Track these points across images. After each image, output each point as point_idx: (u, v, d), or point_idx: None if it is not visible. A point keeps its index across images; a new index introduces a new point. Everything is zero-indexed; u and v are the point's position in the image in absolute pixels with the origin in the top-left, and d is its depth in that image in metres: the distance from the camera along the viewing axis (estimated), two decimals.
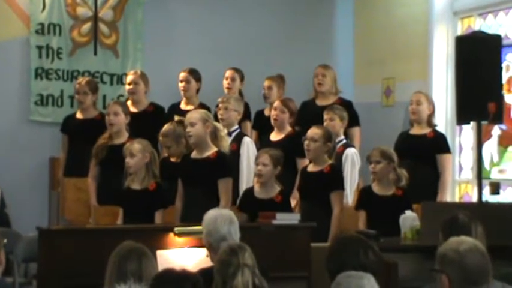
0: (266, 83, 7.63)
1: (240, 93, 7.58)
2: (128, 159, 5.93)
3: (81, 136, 7.01)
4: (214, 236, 4.35)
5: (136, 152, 5.92)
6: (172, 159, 6.42)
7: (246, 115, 7.36)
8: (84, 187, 6.68)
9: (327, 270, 3.48)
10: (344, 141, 6.94)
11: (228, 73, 7.66)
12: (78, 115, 7.29)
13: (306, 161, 6.46)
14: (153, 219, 5.84)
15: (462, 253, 3.10)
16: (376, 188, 6.14)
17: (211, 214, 4.46)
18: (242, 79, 7.70)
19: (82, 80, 7.33)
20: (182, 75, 7.45)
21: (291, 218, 5.55)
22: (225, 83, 7.64)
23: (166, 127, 6.45)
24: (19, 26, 7.75)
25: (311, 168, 6.28)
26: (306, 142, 6.25)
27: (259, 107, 7.69)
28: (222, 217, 4.41)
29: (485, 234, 4.04)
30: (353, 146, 7.04)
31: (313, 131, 6.26)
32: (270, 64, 8.03)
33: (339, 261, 3.47)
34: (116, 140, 6.53)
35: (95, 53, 7.95)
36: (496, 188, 6.57)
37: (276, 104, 7.02)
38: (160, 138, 6.45)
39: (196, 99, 7.45)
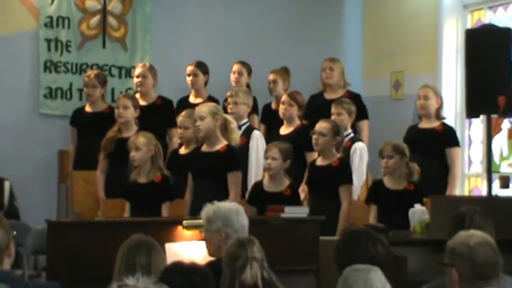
0: (271, 77, 7.60)
1: (248, 87, 7.56)
2: (132, 153, 5.93)
3: (90, 129, 7.01)
4: (232, 227, 4.23)
5: (141, 146, 5.92)
6: (181, 151, 6.41)
7: (254, 109, 7.34)
8: (93, 180, 6.68)
9: (336, 264, 3.47)
10: (352, 135, 6.91)
11: (235, 67, 7.64)
12: (87, 108, 7.29)
13: (315, 155, 6.44)
14: (160, 212, 5.85)
15: (472, 247, 3.09)
16: (388, 183, 6.13)
17: (226, 206, 4.37)
18: (249, 73, 7.68)
19: (91, 73, 7.32)
20: (189, 68, 7.43)
21: (300, 212, 5.53)
22: (233, 77, 7.62)
23: (188, 110, 6.42)
24: (28, 19, 7.74)
25: (320, 162, 6.27)
26: (314, 136, 6.22)
27: (268, 100, 7.68)
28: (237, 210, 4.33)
29: (495, 228, 4.04)
30: (361, 140, 7.02)
31: (321, 125, 6.23)
32: (278, 57, 8.00)
33: (348, 255, 3.46)
34: (125, 133, 6.52)
35: (104, 46, 7.94)
36: (505, 182, 6.54)
37: (284, 97, 7.00)
38: (180, 118, 6.38)
39: (205, 92, 7.44)
